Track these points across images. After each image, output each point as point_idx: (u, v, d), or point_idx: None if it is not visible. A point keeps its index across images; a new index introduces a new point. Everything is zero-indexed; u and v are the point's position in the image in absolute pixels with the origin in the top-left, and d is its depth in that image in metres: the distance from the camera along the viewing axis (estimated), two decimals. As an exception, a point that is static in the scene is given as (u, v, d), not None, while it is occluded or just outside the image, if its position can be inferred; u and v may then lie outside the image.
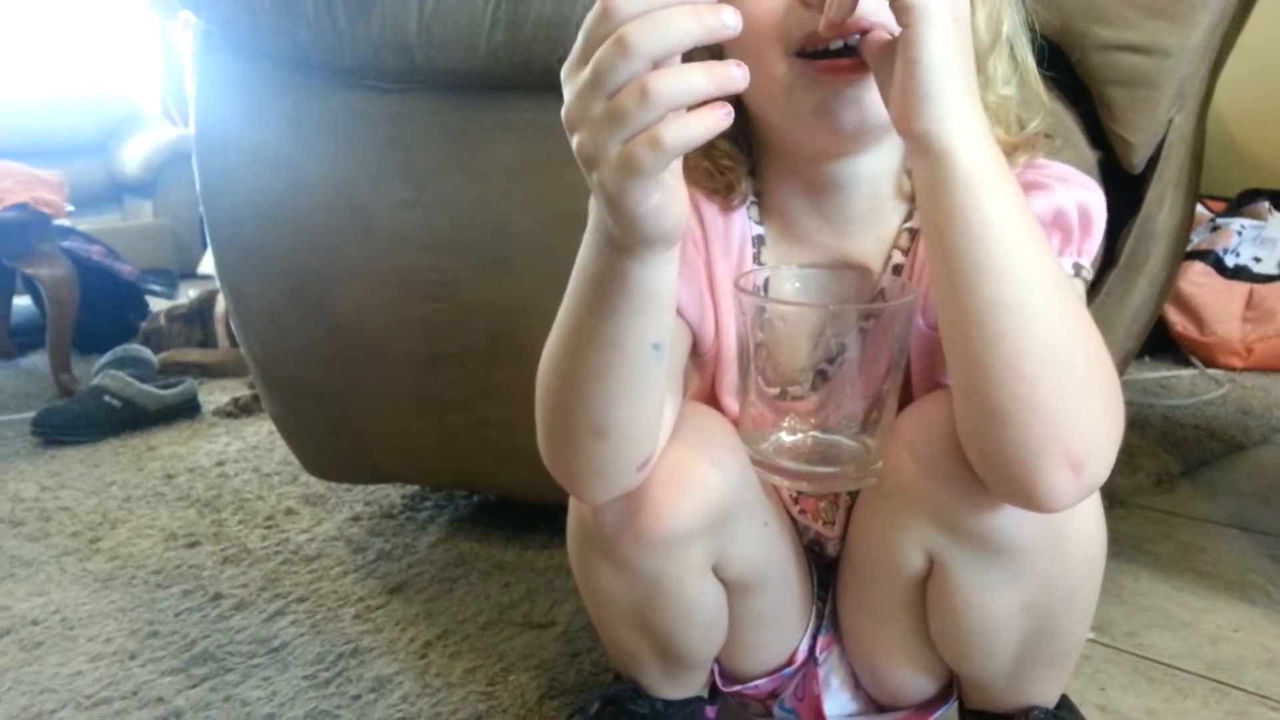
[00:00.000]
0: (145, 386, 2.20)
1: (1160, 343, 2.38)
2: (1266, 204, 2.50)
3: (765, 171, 0.77)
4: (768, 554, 0.79)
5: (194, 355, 2.68)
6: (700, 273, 0.76)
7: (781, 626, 0.84)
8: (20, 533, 1.55)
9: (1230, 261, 2.41)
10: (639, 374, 0.61)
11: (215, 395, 2.41)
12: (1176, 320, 2.37)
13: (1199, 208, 2.51)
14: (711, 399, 0.80)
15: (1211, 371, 2.27)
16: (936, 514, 0.69)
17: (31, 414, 2.14)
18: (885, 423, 0.65)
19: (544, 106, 1.07)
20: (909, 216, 0.74)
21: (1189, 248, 2.38)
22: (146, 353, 2.48)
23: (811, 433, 0.66)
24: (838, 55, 0.62)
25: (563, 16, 1.00)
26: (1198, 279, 2.38)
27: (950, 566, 0.71)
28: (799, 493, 0.83)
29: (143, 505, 1.66)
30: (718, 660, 0.85)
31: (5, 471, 1.89)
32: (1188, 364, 2.32)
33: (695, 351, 0.78)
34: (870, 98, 0.62)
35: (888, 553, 0.75)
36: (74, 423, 2.09)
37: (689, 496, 0.71)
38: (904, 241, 0.74)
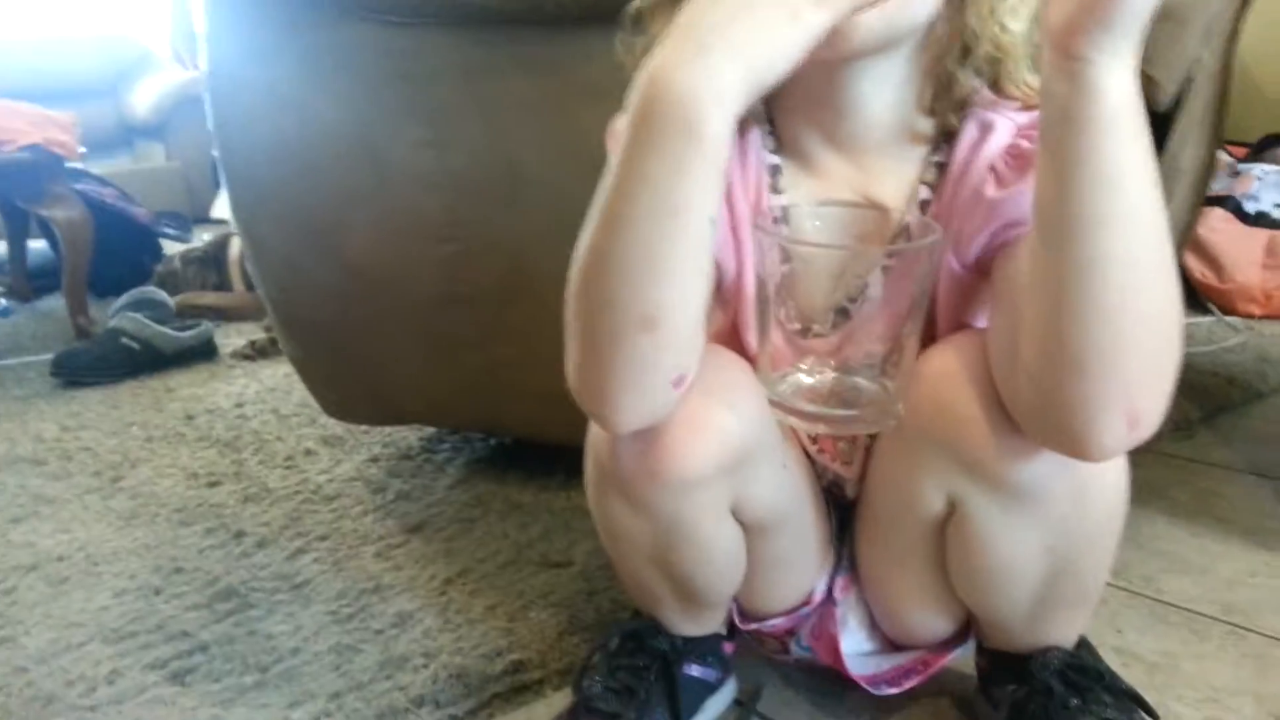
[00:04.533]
0: (162, 329, 2.21)
1: (1178, 289, 2.35)
2: (1288, 149, 2.46)
3: (771, 100, 0.75)
4: (786, 496, 0.79)
5: (209, 298, 2.69)
6: (722, 206, 0.75)
7: (799, 567, 0.85)
8: (43, 471, 1.57)
9: (1250, 208, 2.38)
10: (694, 250, 0.60)
11: (231, 338, 2.41)
12: (1195, 267, 2.35)
13: (1220, 153, 2.48)
14: (733, 337, 0.79)
15: (1230, 319, 2.25)
16: (959, 457, 0.69)
17: (50, 355, 2.16)
18: (906, 364, 0.64)
19: (558, 41, 1.06)
20: (935, 150, 0.73)
21: (1208, 194, 2.35)
22: (163, 295, 2.48)
23: (830, 373, 0.65)
24: None
25: (579, -51, 0.99)
26: (1217, 225, 2.35)
27: (971, 509, 0.71)
28: (817, 434, 0.83)
29: (163, 445, 1.67)
30: (736, 599, 0.86)
31: (26, 412, 1.91)
32: (1206, 311, 2.30)
33: (718, 287, 0.77)
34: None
35: (907, 495, 0.75)
36: (93, 364, 2.11)
37: (707, 439, 0.70)
38: (930, 177, 0.73)
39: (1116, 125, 0.52)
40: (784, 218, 0.67)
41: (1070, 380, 0.58)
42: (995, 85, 0.72)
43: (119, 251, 2.96)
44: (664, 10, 0.71)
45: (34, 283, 3.12)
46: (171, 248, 3.16)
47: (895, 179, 0.74)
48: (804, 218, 0.68)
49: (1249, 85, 2.64)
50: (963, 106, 0.72)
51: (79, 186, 2.77)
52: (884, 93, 0.71)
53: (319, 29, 1.16)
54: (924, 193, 0.73)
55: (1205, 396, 1.67)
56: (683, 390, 0.66)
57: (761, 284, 0.64)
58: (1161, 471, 1.37)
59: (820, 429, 0.77)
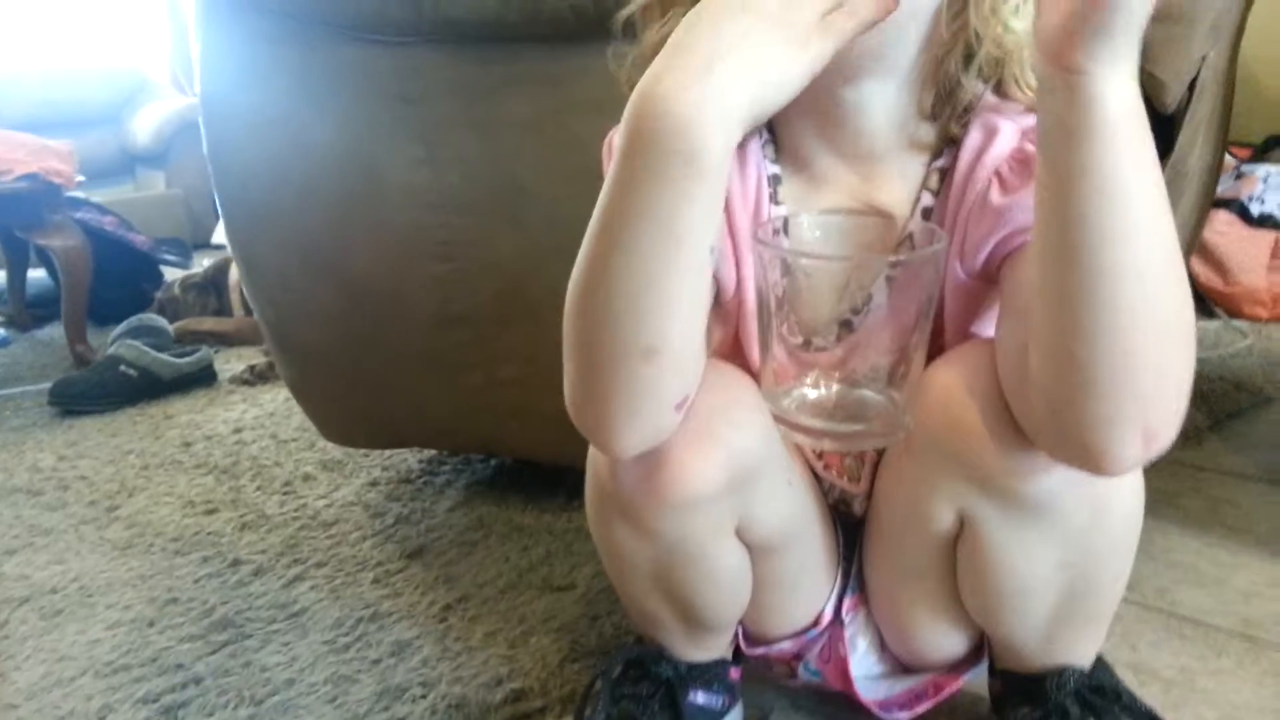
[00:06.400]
0: (161, 355, 2.19)
1: (1184, 294, 2.33)
2: (1293, 150, 2.44)
3: None
4: (792, 514, 0.77)
5: (209, 324, 2.67)
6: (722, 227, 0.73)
7: (806, 588, 0.82)
8: (39, 502, 1.55)
9: (1255, 210, 2.36)
10: (696, 278, 0.59)
11: (231, 363, 2.40)
12: (1200, 271, 2.33)
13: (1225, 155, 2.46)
14: (735, 352, 0.77)
15: (1236, 323, 2.23)
16: (969, 470, 0.67)
17: (48, 384, 2.14)
18: (913, 376, 0.62)
19: (555, 57, 1.04)
20: (938, 156, 0.71)
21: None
22: (162, 322, 2.47)
23: (836, 387, 0.63)
24: None
25: (573, -37, 0.97)
26: (1222, 228, 2.33)
27: (983, 525, 0.69)
28: (824, 450, 0.81)
29: (160, 473, 1.65)
30: (742, 622, 0.84)
31: (23, 441, 1.89)
32: (1211, 315, 2.28)
33: (717, 301, 0.75)
34: None
35: (916, 511, 0.73)
36: (91, 392, 2.09)
37: (710, 456, 0.68)
38: (934, 183, 0.71)
39: (1118, 135, 0.50)
40: (784, 228, 0.65)
41: (1082, 398, 0.56)
42: (999, 87, 0.70)
43: (119, 279, 2.96)
44: (655, 16, 0.70)
45: (33, 311, 3.11)
46: (172, 274, 3.15)
47: (899, 186, 0.72)
48: (805, 228, 0.66)
49: (1251, 86, 2.62)
50: (966, 112, 0.70)
51: (79, 215, 2.76)
52: (885, 98, 0.70)
53: (312, 50, 1.14)
54: (927, 199, 0.71)
55: (1213, 402, 1.65)
56: (683, 413, 0.65)
57: (762, 298, 0.62)
58: (1171, 480, 1.35)
59: (826, 445, 0.75)
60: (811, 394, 0.64)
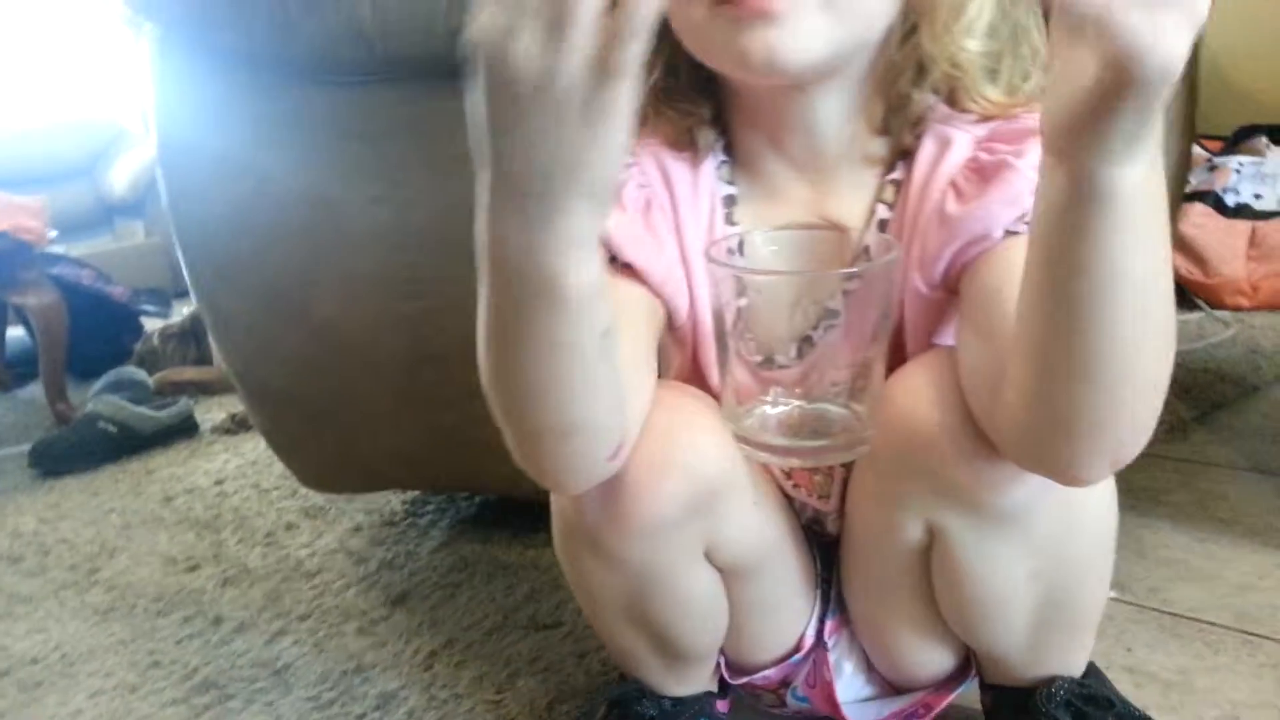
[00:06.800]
0: (140, 409, 2.17)
1: (1164, 288, 2.33)
2: (1264, 139, 2.45)
3: (730, 121, 0.74)
4: (762, 535, 0.76)
5: (189, 374, 2.65)
6: (669, 241, 0.72)
7: (785, 612, 0.81)
8: (19, 569, 1.52)
9: (1230, 200, 2.36)
10: (594, 367, 0.56)
11: (213, 413, 2.37)
12: (1179, 264, 2.32)
13: (1195, 148, 2.46)
14: (695, 375, 0.76)
15: (1218, 313, 2.23)
16: (934, 482, 0.66)
17: (29, 446, 2.11)
18: (875, 388, 0.62)
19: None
20: (892, 168, 0.71)
21: (1188, 189, 2.33)
22: (141, 374, 2.45)
23: (797, 403, 0.62)
24: None
25: (522, -7, 0.96)
26: (1199, 220, 2.33)
27: (951, 536, 0.68)
28: (789, 468, 0.80)
29: (141, 531, 1.63)
30: (723, 652, 0.82)
31: (4, 506, 1.86)
32: (1193, 307, 2.28)
33: (671, 325, 0.74)
34: (781, 37, 0.60)
35: (885, 525, 0.72)
36: (70, 452, 2.06)
37: (671, 479, 0.67)
38: (889, 195, 0.70)
39: (1124, 219, 0.46)
40: (739, 247, 0.64)
41: (1060, 437, 0.56)
42: (951, 97, 0.69)
43: (98, 333, 2.93)
44: None
45: (13, 370, 3.09)
46: (152, 325, 3.13)
47: (853, 199, 0.72)
48: (759, 244, 0.66)
49: (1220, 78, 2.63)
50: (918, 124, 0.70)
51: (55, 270, 2.74)
52: (833, 106, 0.69)
53: (267, 94, 1.14)
54: (883, 211, 0.71)
55: (1198, 394, 1.64)
56: (622, 457, 0.65)
57: (719, 318, 0.61)
58: (1159, 475, 1.34)
59: (793, 462, 0.74)
60: (773, 411, 0.63)
